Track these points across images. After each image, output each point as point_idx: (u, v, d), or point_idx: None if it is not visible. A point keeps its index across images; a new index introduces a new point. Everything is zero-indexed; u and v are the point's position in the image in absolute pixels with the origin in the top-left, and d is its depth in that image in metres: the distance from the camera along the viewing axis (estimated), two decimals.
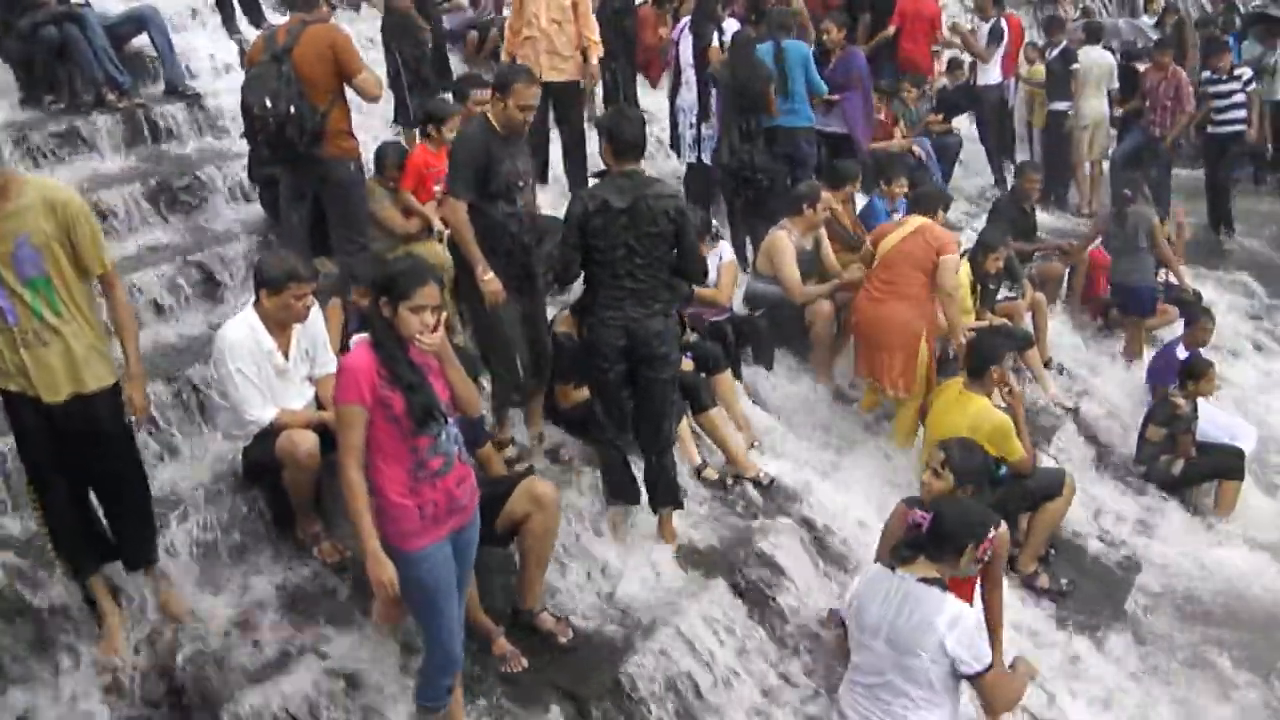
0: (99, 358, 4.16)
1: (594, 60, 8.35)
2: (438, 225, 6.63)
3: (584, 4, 8.23)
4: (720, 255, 7.22)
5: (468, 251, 5.37)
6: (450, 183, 5.46)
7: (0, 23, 7.61)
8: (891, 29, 10.88)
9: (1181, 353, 8.10)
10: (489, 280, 5.35)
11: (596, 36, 8.36)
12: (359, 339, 3.86)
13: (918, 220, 6.97)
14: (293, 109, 5.72)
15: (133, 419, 4.31)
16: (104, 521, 4.46)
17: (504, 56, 8.63)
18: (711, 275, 6.97)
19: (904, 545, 4.58)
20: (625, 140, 5.19)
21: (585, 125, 8.52)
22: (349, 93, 6.09)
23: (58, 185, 4.27)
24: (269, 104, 5.72)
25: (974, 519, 4.52)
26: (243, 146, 7.20)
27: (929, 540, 4.47)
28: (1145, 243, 8.74)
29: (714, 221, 7.72)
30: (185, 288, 6.44)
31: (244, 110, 5.93)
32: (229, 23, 9.35)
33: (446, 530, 3.92)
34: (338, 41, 5.91)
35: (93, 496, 4.40)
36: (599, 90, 9.82)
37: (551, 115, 8.35)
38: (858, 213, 8.56)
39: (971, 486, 5.19)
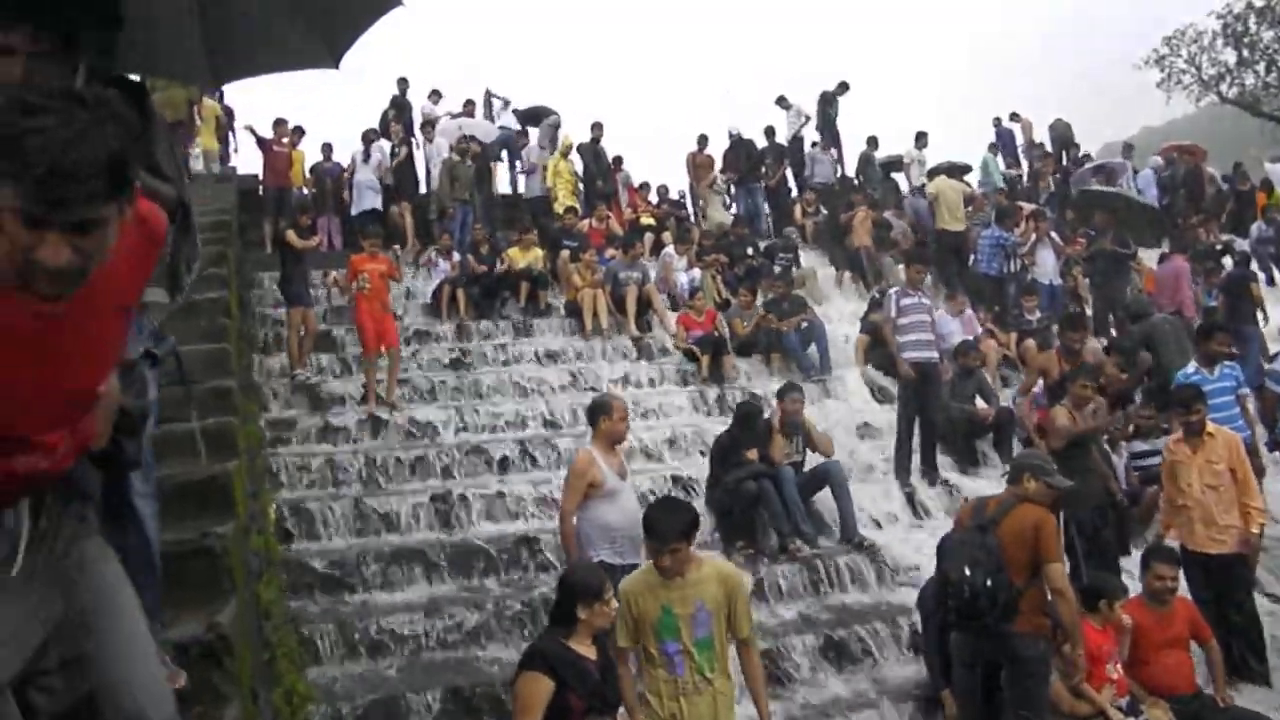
0: (731, 712, 4.93)
1: (1254, 529, 7.59)
2: (1111, 712, 6.25)
3: (1243, 468, 7.67)
4: None
5: None
6: None
7: (711, 476, 8.68)
8: None
9: None
10: None
11: (1260, 503, 7.68)
12: None
13: None
14: (989, 581, 5.75)
15: None
16: None
17: (1161, 529, 8.18)
18: None
19: None
20: None
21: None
22: None
23: (724, 561, 5.39)
24: (966, 572, 5.80)
25: None
26: (911, 600, 7.39)
27: None
28: None
29: None
30: None
31: (939, 574, 6.06)
32: (902, 476, 9.85)
33: None
34: (1042, 524, 5.90)
35: None
36: None
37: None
38: None
39: None
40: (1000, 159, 21.24)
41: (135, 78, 5.01)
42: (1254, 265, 17.29)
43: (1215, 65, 37.44)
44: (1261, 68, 36.00)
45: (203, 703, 3.80)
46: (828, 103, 20.32)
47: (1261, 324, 13.24)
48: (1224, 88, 38.14)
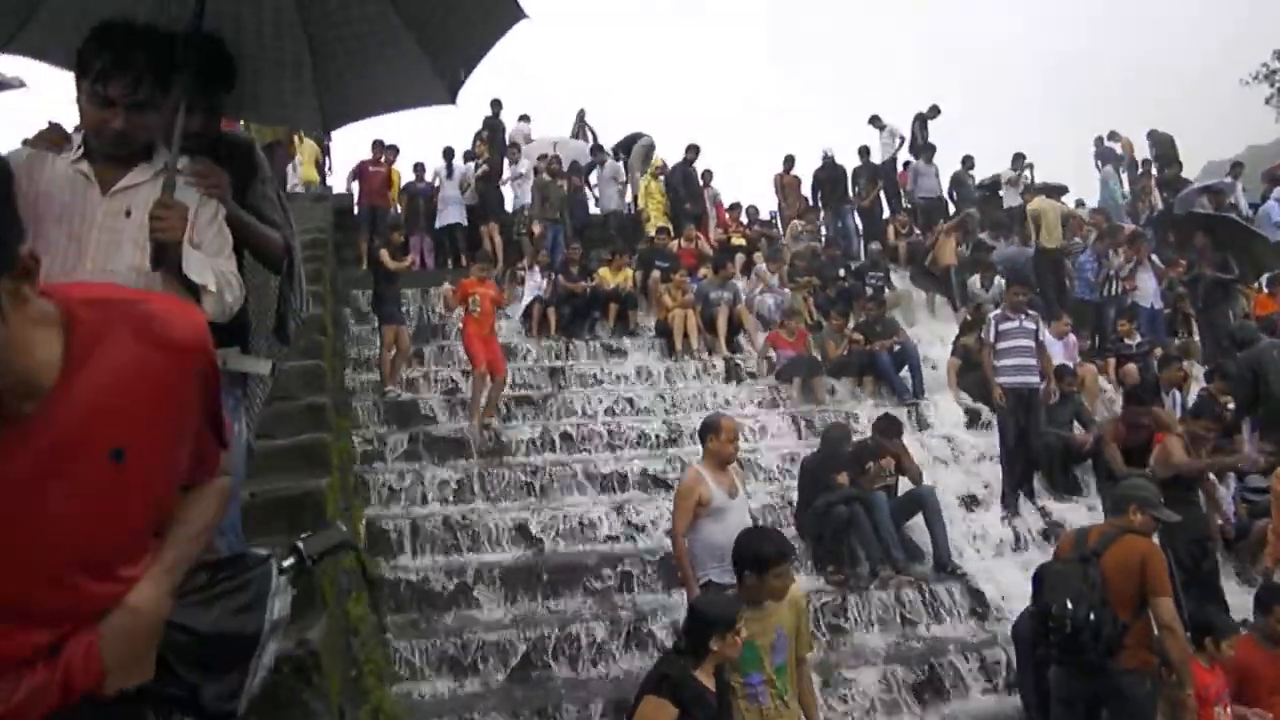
0: None
1: None
2: None
3: None
4: None
5: None
6: None
7: (802, 501, 8.55)
8: None
9: None
10: None
11: None
12: None
13: None
14: (1092, 615, 5.53)
15: None
16: None
17: (1268, 563, 7.83)
18: None
19: None
20: None
21: None
22: None
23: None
24: (1068, 605, 5.58)
25: None
26: (1005, 632, 7.19)
27: None
28: None
29: None
30: None
31: (1037, 606, 5.87)
32: (1006, 503, 9.61)
33: None
34: (1150, 557, 5.64)
35: None
36: None
37: None
38: None
39: None
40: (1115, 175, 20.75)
41: (242, 135, 5.04)
42: None
43: None
44: None
45: (292, 719, 3.82)
46: (921, 124, 20.03)
47: None
48: None
